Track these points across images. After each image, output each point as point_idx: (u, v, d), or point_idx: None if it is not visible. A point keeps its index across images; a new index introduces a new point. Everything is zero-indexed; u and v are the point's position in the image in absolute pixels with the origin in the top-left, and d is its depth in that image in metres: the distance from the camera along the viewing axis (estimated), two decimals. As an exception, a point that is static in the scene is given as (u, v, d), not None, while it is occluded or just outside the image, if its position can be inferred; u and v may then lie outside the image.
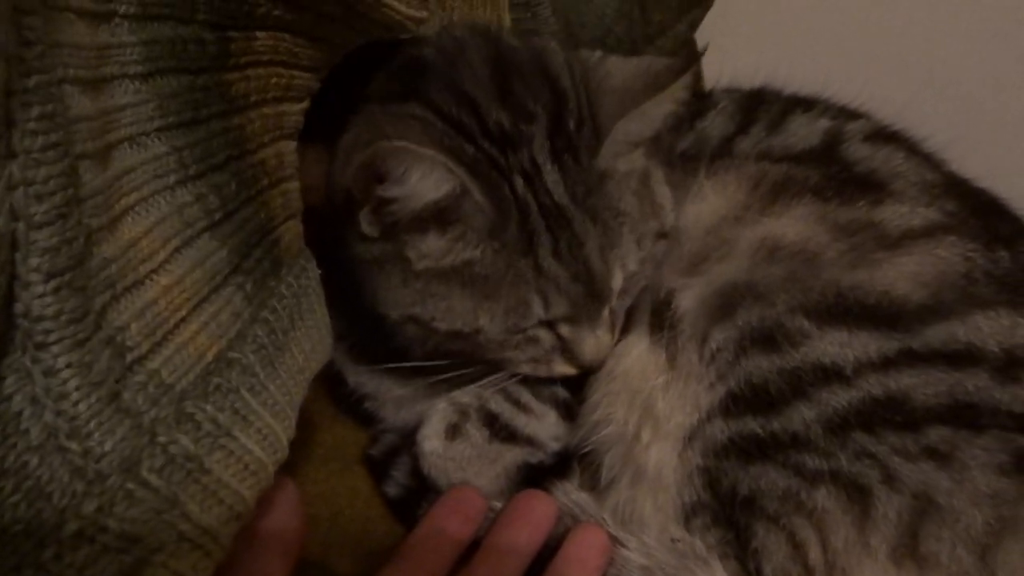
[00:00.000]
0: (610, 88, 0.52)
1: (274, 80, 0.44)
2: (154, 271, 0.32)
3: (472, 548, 0.53)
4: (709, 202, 0.60)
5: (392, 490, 0.61)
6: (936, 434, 0.48)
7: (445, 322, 0.52)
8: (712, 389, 0.53)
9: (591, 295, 0.52)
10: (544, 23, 0.83)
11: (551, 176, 0.50)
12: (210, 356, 0.34)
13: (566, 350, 0.55)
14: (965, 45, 1.22)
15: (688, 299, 0.56)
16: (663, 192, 0.58)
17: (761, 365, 0.51)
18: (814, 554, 0.48)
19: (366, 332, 0.56)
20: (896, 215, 0.55)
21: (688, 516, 0.55)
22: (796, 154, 0.63)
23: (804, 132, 0.66)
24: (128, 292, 0.30)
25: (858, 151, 0.63)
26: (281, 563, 0.40)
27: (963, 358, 0.50)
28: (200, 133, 0.37)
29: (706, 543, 0.53)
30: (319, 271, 0.48)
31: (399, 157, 0.46)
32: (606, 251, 0.52)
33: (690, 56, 0.51)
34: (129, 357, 0.29)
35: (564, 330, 0.54)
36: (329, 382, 0.66)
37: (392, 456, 0.62)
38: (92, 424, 0.27)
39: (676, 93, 0.51)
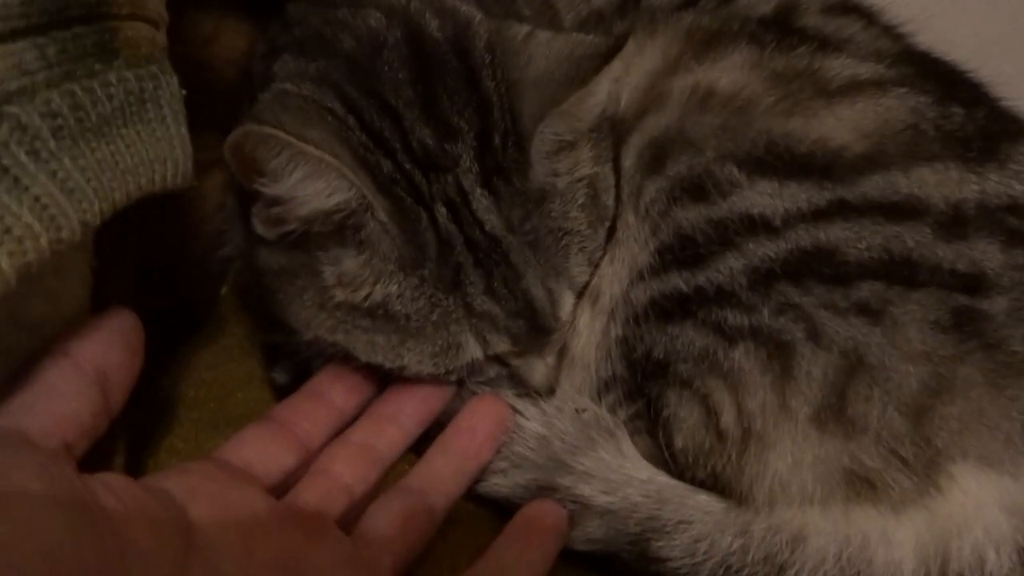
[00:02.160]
0: (531, 79, 0.46)
1: None
2: None
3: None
4: (647, 58, 0.55)
5: (280, 377, 0.57)
6: (868, 288, 0.44)
7: (365, 355, 0.48)
8: (646, 247, 0.50)
9: (535, 329, 0.48)
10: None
11: (481, 203, 0.46)
12: (-30, 97, 0.28)
13: (513, 377, 0.52)
14: None
15: (629, 157, 0.52)
16: (610, 192, 0.52)
17: (690, 215, 0.48)
18: (727, 418, 0.44)
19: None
20: (841, 65, 0.51)
21: (601, 392, 0.52)
22: (743, 19, 0.58)
23: (755, 2, 0.61)
24: None
25: (812, 19, 0.59)
26: (94, 391, 0.35)
27: (903, 211, 0.46)
28: None
29: (617, 420, 0.49)
30: (183, 92, 0.43)
31: (270, 146, 0.41)
32: (549, 280, 0.48)
33: (616, 41, 0.45)
34: None
35: (512, 360, 0.51)
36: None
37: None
38: None
39: (600, 86, 0.46)
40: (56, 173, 0.31)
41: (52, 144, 0.31)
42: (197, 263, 0.65)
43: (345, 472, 0.45)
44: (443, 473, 0.47)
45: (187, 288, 0.65)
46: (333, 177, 0.42)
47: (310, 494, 0.43)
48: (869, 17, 0.61)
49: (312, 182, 0.42)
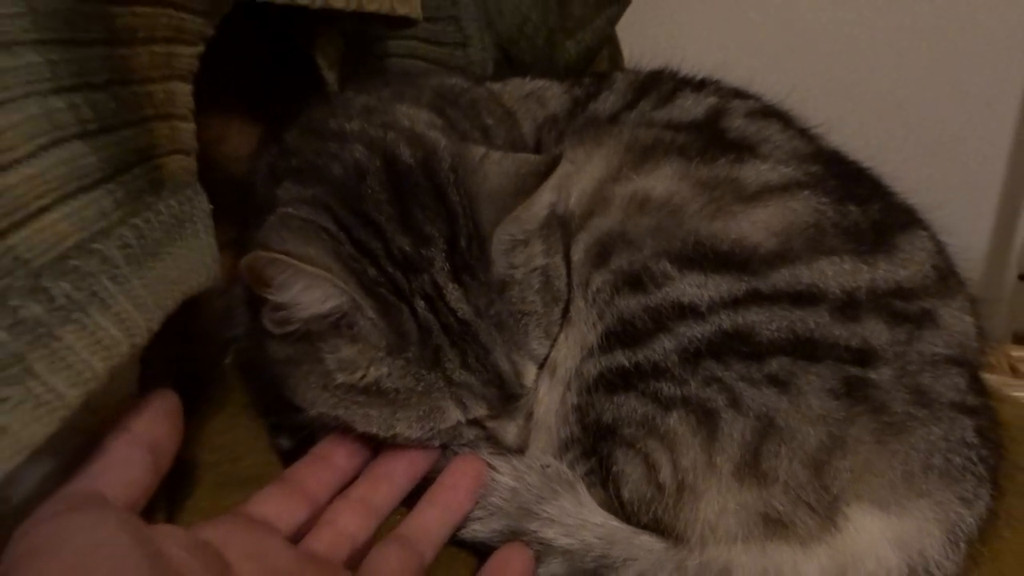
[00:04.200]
0: (487, 194, 0.55)
1: (163, 20, 0.48)
2: (17, 161, 0.35)
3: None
4: (593, 166, 0.64)
5: (285, 443, 0.64)
6: (777, 363, 0.52)
7: (362, 427, 0.54)
8: (594, 329, 0.57)
9: (505, 396, 0.55)
10: (464, 8, 0.88)
11: (453, 295, 0.53)
12: (70, 242, 0.37)
13: (491, 438, 0.58)
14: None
15: (578, 252, 0.60)
16: (562, 279, 0.60)
17: (630, 303, 0.55)
18: (664, 473, 0.52)
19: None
20: (755, 172, 0.60)
21: (563, 451, 0.59)
22: (676, 124, 0.67)
23: (689, 106, 0.71)
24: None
25: (735, 123, 0.68)
26: (148, 458, 0.43)
27: (806, 298, 0.54)
28: (78, 53, 0.41)
29: (576, 474, 0.57)
30: (211, 207, 0.51)
31: (277, 266, 0.49)
32: (513, 353, 0.55)
33: (552, 160, 0.54)
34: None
35: (488, 423, 0.57)
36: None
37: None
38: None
39: (542, 196, 0.55)
40: (130, 293, 0.39)
41: (126, 270, 0.39)
42: (202, 339, 0.72)
43: (349, 524, 0.51)
44: (431, 523, 0.53)
45: (193, 362, 0.72)
46: (327, 287, 0.50)
47: (320, 543, 0.50)
48: (786, 120, 0.71)
49: (310, 292, 0.50)
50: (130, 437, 0.43)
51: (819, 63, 1.47)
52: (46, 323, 0.34)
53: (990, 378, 0.84)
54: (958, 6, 1.43)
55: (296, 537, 0.50)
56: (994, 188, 1.59)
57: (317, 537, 0.50)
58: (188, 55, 0.51)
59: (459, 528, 0.55)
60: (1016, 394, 0.80)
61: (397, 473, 0.56)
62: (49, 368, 0.34)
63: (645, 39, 1.01)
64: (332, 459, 0.56)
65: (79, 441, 0.42)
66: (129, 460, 0.42)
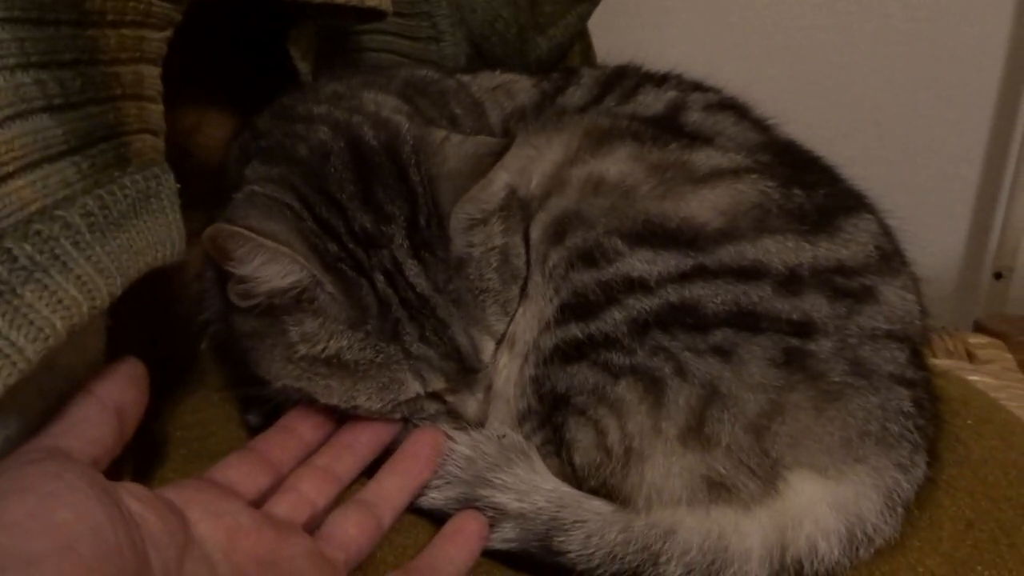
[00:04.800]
0: (446, 174, 0.57)
1: (132, 5, 0.50)
2: (-18, 130, 0.37)
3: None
4: (553, 151, 0.66)
5: (254, 420, 0.66)
6: (721, 334, 0.54)
7: (324, 398, 0.56)
8: (550, 303, 0.60)
9: (463, 369, 0.57)
10: (437, 4, 0.91)
11: (412, 271, 0.55)
12: (34, 208, 0.39)
13: (451, 412, 0.60)
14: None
15: (536, 231, 0.63)
16: (520, 257, 0.62)
17: (584, 278, 0.58)
18: (612, 438, 0.54)
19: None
20: (706, 157, 0.62)
21: (520, 422, 0.61)
22: (637, 119, 0.70)
23: (651, 101, 0.74)
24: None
25: (693, 116, 0.71)
26: (113, 421, 0.45)
27: (749, 273, 0.56)
28: (47, 32, 0.43)
29: (532, 444, 0.59)
30: (179, 186, 0.53)
31: (237, 240, 0.51)
32: (471, 329, 0.57)
33: (507, 141, 0.57)
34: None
35: (448, 397, 0.59)
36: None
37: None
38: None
39: (497, 175, 0.57)
40: (91, 258, 0.41)
41: (88, 236, 0.41)
42: (179, 323, 0.74)
43: (310, 489, 0.53)
44: (391, 490, 0.55)
45: (169, 346, 0.74)
46: (287, 262, 0.52)
47: (280, 506, 0.52)
48: (742, 113, 0.74)
49: (270, 266, 0.52)
50: (94, 399, 0.44)
51: (796, 67, 1.49)
52: (8, 281, 0.36)
53: (946, 363, 0.88)
54: (933, 11, 1.46)
55: (258, 502, 0.52)
56: (969, 190, 1.62)
57: (278, 501, 0.52)
58: (157, 39, 0.53)
59: (418, 495, 0.57)
60: (971, 377, 0.83)
61: (360, 444, 0.58)
62: (10, 324, 0.36)
63: (619, 37, 1.03)
64: (297, 430, 0.58)
65: (44, 405, 0.44)
66: (93, 420, 0.44)
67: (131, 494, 0.41)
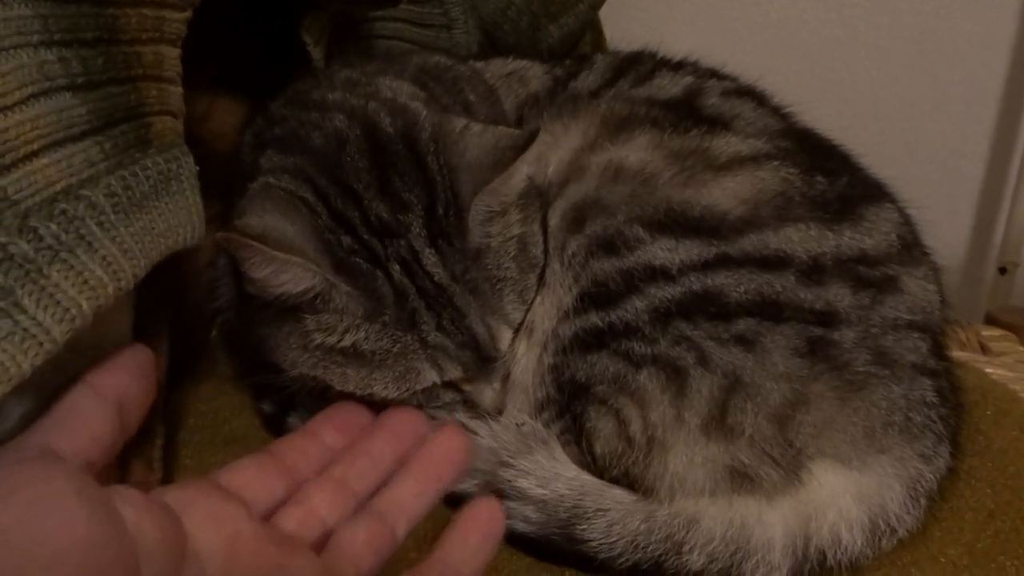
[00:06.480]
0: (466, 165, 0.56)
1: (152, -16, 0.49)
2: (8, 107, 0.37)
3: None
4: (570, 137, 0.66)
5: (267, 408, 0.66)
6: (744, 323, 0.54)
7: (340, 386, 0.56)
8: (569, 292, 0.59)
9: (481, 359, 0.57)
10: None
11: (429, 260, 0.55)
12: (59, 187, 0.38)
13: (467, 401, 0.60)
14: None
15: (554, 218, 0.62)
16: (538, 245, 0.62)
17: (604, 266, 0.57)
18: (635, 428, 0.54)
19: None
20: (726, 144, 0.62)
21: (538, 411, 0.61)
22: (653, 102, 0.69)
23: (667, 85, 0.73)
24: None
25: (711, 101, 0.70)
26: (112, 415, 0.42)
27: (772, 262, 0.56)
28: (69, 10, 0.42)
29: (551, 432, 0.59)
30: (197, 168, 0.53)
31: (248, 250, 0.50)
32: (488, 318, 0.57)
33: (531, 134, 0.56)
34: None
35: (464, 386, 0.59)
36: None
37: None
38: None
39: (519, 169, 0.56)
40: (116, 238, 0.40)
41: (112, 217, 0.41)
42: (190, 311, 0.74)
43: (322, 505, 0.48)
44: (406, 497, 0.50)
45: (182, 334, 0.74)
46: (299, 270, 0.51)
47: (288, 520, 0.47)
48: (760, 100, 0.73)
49: (281, 274, 0.52)
50: (92, 392, 0.41)
51: (801, 61, 1.49)
52: (34, 260, 0.35)
53: (961, 355, 0.87)
54: (939, 5, 1.45)
55: (269, 510, 0.48)
56: (974, 186, 1.62)
57: (287, 515, 0.48)
58: (177, 20, 0.52)
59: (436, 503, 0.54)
60: (987, 369, 0.83)
61: (384, 451, 0.53)
62: (37, 303, 0.35)
63: (628, 26, 1.03)
64: (320, 435, 0.54)
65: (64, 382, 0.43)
66: (90, 416, 0.40)
67: (126, 500, 0.38)
